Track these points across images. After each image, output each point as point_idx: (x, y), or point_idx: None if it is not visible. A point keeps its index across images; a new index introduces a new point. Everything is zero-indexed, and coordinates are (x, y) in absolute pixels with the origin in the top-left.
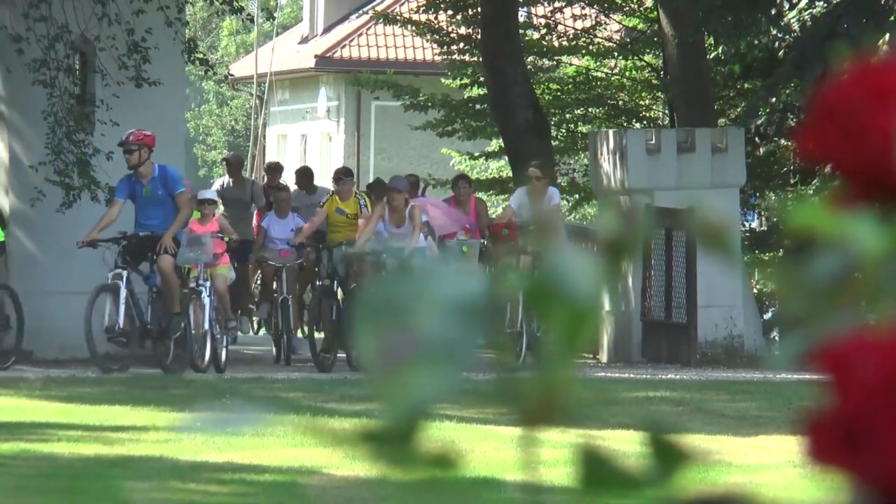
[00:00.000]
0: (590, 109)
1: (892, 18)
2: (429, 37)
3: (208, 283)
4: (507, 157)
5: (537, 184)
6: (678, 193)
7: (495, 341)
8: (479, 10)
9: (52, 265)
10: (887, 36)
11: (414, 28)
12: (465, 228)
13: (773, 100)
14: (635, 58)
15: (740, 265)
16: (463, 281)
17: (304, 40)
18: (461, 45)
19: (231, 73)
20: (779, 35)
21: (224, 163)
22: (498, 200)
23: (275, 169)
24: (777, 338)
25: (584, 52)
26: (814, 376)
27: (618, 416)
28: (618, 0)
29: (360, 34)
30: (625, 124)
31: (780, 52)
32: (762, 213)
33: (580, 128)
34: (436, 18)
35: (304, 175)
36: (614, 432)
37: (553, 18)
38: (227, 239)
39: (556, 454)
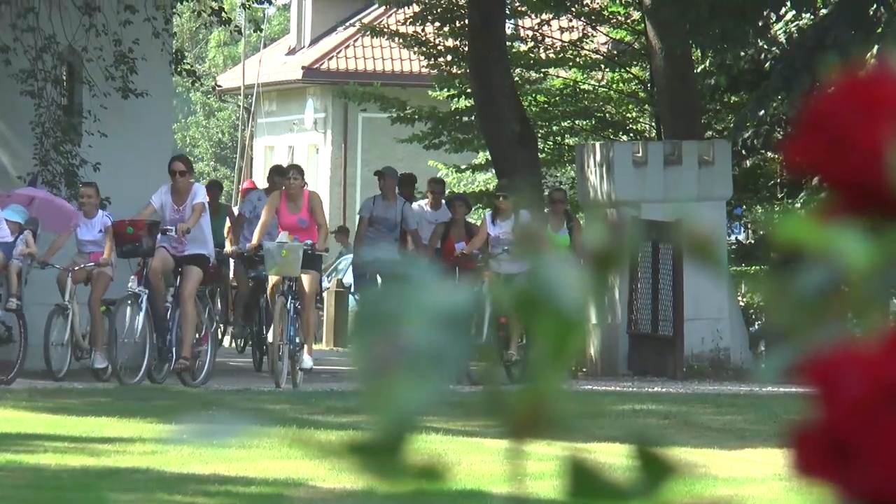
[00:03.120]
0: (577, 122)
1: (879, 30)
2: (416, 49)
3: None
4: (493, 170)
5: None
6: (665, 206)
7: (482, 353)
8: (466, 22)
9: (39, 276)
10: (875, 48)
11: (401, 40)
12: (294, 227)
13: (761, 112)
14: (622, 70)
15: (727, 278)
16: (450, 292)
17: (292, 52)
18: (448, 57)
19: (218, 84)
20: (766, 47)
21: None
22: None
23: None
24: (763, 351)
25: (571, 64)
26: (800, 389)
27: (604, 429)
28: (605, 12)
29: (348, 46)
30: (612, 137)
31: (767, 65)
32: (749, 225)
33: (567, 140)
34: (423, 30)
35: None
36: (601, 445)
37: (540, 31)
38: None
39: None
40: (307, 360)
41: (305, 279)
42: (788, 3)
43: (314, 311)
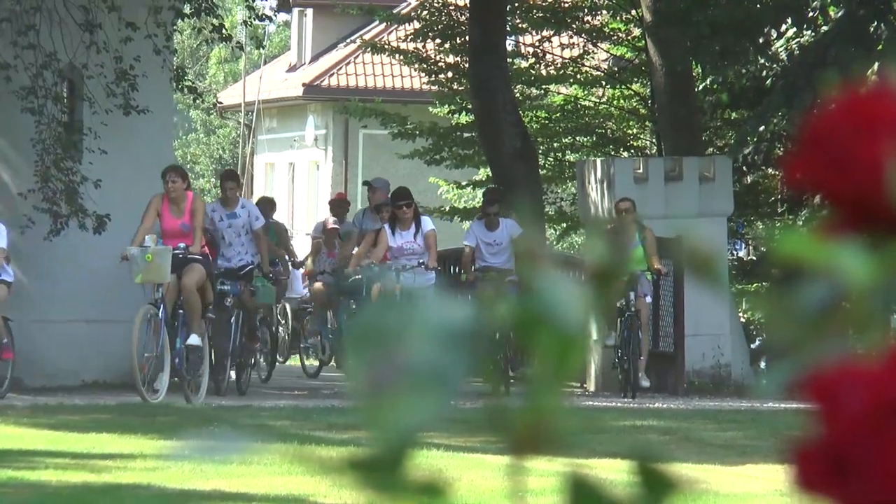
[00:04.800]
0: (577, 138)
1: (880, 47)
2: (417, 65)
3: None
4: (491, 186)
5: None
6: (665, 222)
7: (483, 369)
8: (467, 38)
9: (39, 293)
10: (876, 65)
11: (402, 57)
12: (176, 232)
13: (762, 129)
14: (623, 87)
15: (728, 294)
16: (451, 308)
17: (292, 69)
18: (449, 73)
19: (219, 101)
20: (766, 64)
21: None
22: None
23: None
24: (764, 367)
25: (571, 80)
26: (801, 405)
27: (605, 445)
28: (606, 29)
29: (348, 63)
30: (612, 153)
31: (768, 82)
32: (750, 242)
33: (568, 156)
34: (424, 47)
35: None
36: (602, 461)
37: (541, 47)
38: None
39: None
40: (194, 338)
41: (186, 275)
42: (789, 20)
43: (197, 294)
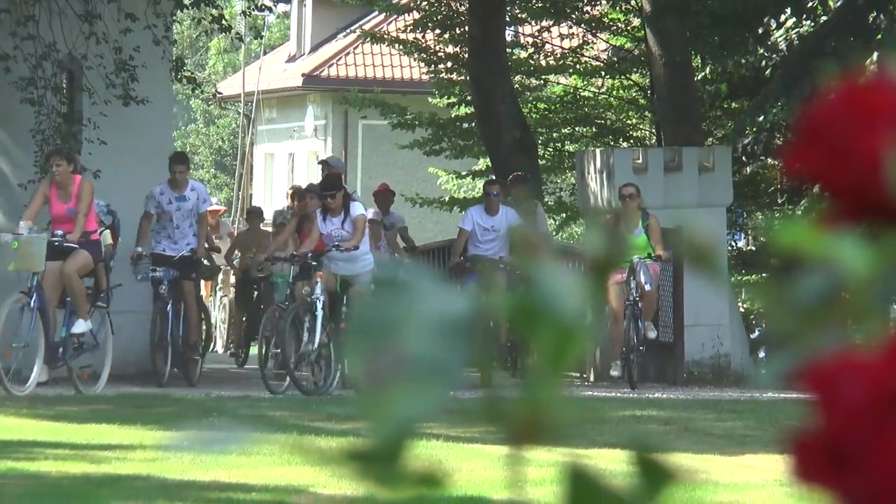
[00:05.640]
0: (577, 128)
1: (879, 37)
2: (416, 56)
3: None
4: (494, 177)
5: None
6: (665, 212)
7: (482, 359)
8: (467, 29)
9: None
10: (875, 55)
11: (401, 47)
12: (63, 217)
13: (761, 119)
14: (622, 77)
15: (727, 284)
16: (450, 299)
17: (292, 59)
18: (448, 63)
19: (218, 91)
20: (766, 54)
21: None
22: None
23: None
24: (764, 357)
25: (571, 71)
26: (800, 395)
27: (604, 435)
28: (605, 19)
29: (348, 53)
30: (612, 143)
31: (767, 72)
32: (749, 232)
33: (567, 147)
34: (423, 37)
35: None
36: (601, 451)
37: (540, 38)
38: None
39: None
40: (79, 325)
41: (67, 262)
42: (788, 11)
43: (80, 281)
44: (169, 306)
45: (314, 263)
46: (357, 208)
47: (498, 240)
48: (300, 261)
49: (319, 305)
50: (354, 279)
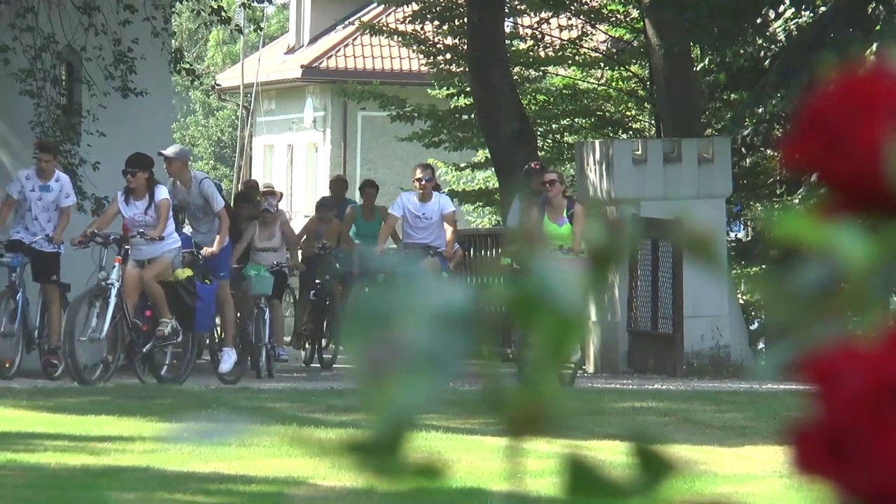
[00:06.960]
0: (576, 120)
1: (878, 28)
2: (415, 47)
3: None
4: (493, 168)
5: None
6: (664, 204)
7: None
8: (466, 20)
9: None
10: (874, 46)
11: (400, 38)
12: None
13: (760, 109)
14: (621, 68)
15: (726, 276)
16: (449, 290)
17: (291, 51)
18: (447, 55)
19: (217, 83)
20: (764, 45)
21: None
22: (484, 212)
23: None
24: (763, 348)
25: (570, 62)
26: (800, 386)
27: (604, 427)
28: (604, 11)
29: (347, 44)
30: (611, 134)
31: (766, 62)
32: (748, 223)
33: (566, 138)
34: (422, 29)
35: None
36: (600, 442)
37: (539, 29)
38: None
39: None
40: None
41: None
42: (787, 1)
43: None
44: (19, 295)
45: (117, 249)
46: (162, 192)
47: (430, 227)
48: (104, 241)
49: (114, 292)
50: (156, 259)
